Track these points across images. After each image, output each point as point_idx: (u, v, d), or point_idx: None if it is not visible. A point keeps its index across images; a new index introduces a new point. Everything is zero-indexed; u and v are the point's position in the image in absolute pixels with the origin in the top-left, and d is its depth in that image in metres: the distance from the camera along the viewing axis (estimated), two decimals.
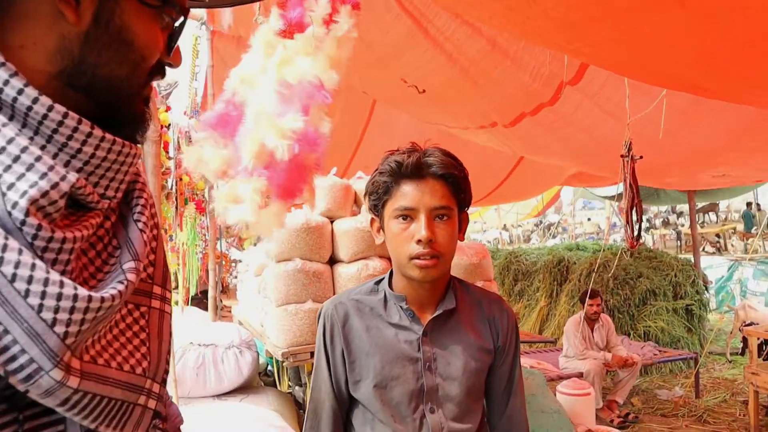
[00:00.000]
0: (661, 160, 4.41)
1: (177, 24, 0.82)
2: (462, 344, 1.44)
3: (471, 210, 1.58)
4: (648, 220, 19.08)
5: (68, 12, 0.69)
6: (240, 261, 5.16)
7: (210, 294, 4.42)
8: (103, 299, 0.66)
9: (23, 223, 0.61)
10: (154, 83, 0.85)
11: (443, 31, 3.36)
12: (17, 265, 0.60)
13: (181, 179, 4.04)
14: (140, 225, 0.79)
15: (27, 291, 0.60)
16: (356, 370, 1.43)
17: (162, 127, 3.54)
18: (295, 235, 3.45)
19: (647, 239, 15.78)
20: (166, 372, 0.84)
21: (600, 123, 3.98)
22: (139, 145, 0.80)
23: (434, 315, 1.44)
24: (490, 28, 3.15)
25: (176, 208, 4.07)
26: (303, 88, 2.07)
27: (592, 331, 5.92)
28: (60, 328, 0.62)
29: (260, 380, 4.31)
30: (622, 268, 7.77)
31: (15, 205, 0.61)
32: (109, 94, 0.74)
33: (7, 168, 0.62)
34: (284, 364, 3.48)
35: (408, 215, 1.38)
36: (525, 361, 5.54)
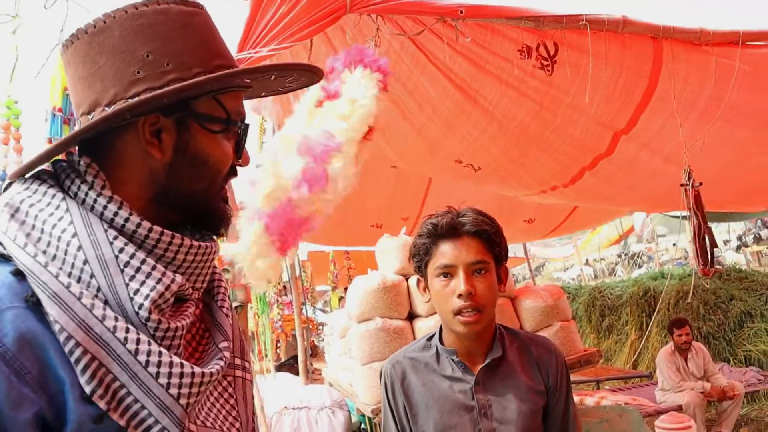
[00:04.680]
0: (722, 190, 4.37)
1: (241, 130, 0.95)
2: (514, 388, 1.50)
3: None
4: (739, 238, 18.10)
5: (154, 152, 0.86)
6: (326, 324, 5.35)
7: (300, 358, 4.58)
8: (211, 374, 0.84)
9: (147, 319, 0.78)
10: None
11: (491, 99, 3.51)
12: (149, 353, 0.77)
13: None
14: (225, 310, 0.97)
15: (157, 373, 0.77)
16: (419, 422, 1.52)
17: None
18: (373, 295, 3.59)
19: (740, 259, 14.97)
20: (254, 431, 1.00)
21: (660, 168, 4.00)
22: (216, 241, 0.96)
23: (484, 364, 1.52)
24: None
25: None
26: (315, 139, 2.20)
27: (686, 361, 5.71)
28: (183, 401, 0.78)
29: None
30: (711, 292, 7.48)
31: (141, 306, 0.78)
32: (192, 205, 0.91)
33: (132, 278, 0.79)
34: (375, 420, 3.57)
35: (448, 272, 1.49)
36: (619, 398, 5.37)
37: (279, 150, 2.21)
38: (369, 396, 3.51)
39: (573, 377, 5.49)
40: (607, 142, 3.83)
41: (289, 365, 6.55)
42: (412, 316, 3.76)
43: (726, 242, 17.96)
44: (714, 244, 3.07)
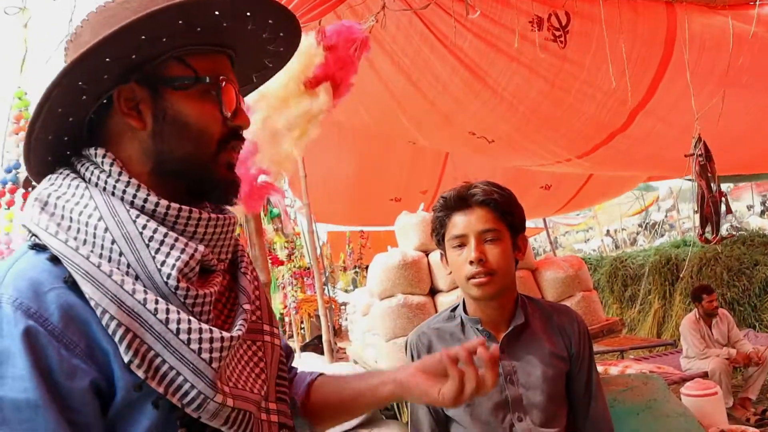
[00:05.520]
0: (741, 154, 4.31)
1: (216, 86, 0.93)
2: (538, 354, 1.54)
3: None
4: (763, 203, 17.84)
5: (135, 122, 0.91)
6: (348, 303, 5.41)
7: (324, 338, 4.64)
8: (237, 337, 0.90)
9: (176, 288, 0.84)
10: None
11: (499, 80, 3.50)
12: (179, 321, 0.82)
13: None
14: (248, 276, 1.02)
15: (189, 339, 0.82)
16: None
17: None
18: (394, 272, 3.61)
19: (764, 224, 14.77)
20: (278, 392, 1.04)
21: (678, 136, 3.95)
22: (234, 213, 1.00)
23: (507, 331, 1.56)
24: None
25: None
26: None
27: (711, 328, 5.69)
28: (215, 364, 0.83)
29: (382, 414, 4.47)
30: (735, 258, 7.41)
31: (169, 276, 0.84)
32: (189, 169, 0.94)
33: (157, 250, 0.85)
34: None
35: (461, 242, 1.54)
36: (644, 366, 5.38)
37: None
38: None
39: (597, 347, 5.50)
40: (623, 118, 3.80)
41: (313, 345, 6.64)
42: (433, 292, 3.77)
43: (750, 207, 17.69)
44: (728, 210, 3.04)
